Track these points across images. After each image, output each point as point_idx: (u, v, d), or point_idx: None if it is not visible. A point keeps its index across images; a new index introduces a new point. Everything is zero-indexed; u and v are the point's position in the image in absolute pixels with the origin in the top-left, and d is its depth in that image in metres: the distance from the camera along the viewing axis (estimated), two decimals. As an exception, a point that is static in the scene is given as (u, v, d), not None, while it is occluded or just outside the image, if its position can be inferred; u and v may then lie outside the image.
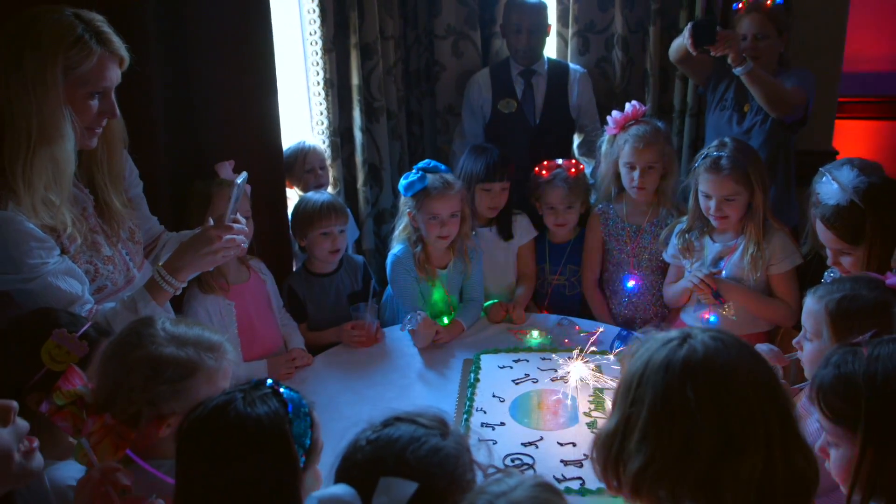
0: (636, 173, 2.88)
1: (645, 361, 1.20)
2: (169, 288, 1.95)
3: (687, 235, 2.77)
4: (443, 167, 2.84)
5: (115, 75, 1.85)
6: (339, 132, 3.32)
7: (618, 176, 2.99)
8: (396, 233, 2.94)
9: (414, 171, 2.81)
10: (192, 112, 2.55)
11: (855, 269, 2.21)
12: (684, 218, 2.81)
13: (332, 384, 2.51)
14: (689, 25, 2.93)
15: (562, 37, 3.68)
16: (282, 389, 1.30)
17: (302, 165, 3.13)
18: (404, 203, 2.86)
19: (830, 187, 2.22)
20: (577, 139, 3.59)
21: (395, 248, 2.93)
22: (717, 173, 2.57)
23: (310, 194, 2.92)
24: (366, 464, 1.14)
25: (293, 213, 2.88)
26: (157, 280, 1.94)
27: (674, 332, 1.23)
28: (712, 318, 2.71)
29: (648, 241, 3.00)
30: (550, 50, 3.67)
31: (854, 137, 3.91)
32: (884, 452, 1.22)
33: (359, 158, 3.36)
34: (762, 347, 2.11)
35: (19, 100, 1.72)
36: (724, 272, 2.68)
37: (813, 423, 1.81)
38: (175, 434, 1.30)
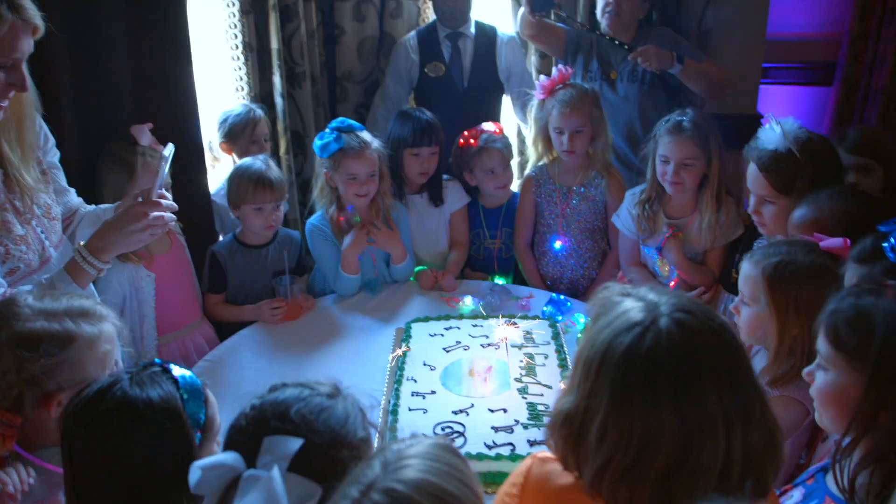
0: (565, 137, 2.88)
1: (605, 346, 1.12)
2: (91, 269, 1.83)
3: (647, 206, 2.75)
4: (357, 125, 2.77)
5: (27, 46, 1.70)
6: (261, 98, 3.19)
7: (548, 139, 2.99)
8: (315, 195, 2.86)
9: (328, 131, 2.72)
10: (99, 75, 2.39)
11: (774, 220, 2.23)
12: (638, 188, 2.81)
13: (255, 361, 2.40)
14: None
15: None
16: (171, 368, 1.26)
17: (249, 136, 3.00)
18: (320, 164, 2.78)
19: (772, 133, 2.21)
20: (513, 105, 3.55)
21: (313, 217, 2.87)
22: (678, 135, 2.57)
23: (248, 162, 2.74)
24: (249, 427, 1.12)
25: (229, 181, 2.74)
26: (79, 261, 1.82)
27: (637, 310, 1.13)
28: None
29: (577, 202, 3.01)
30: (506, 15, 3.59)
31: (777, 102, 3.98)
32: (885, 394, 1.22)
33: (280, 125, 3.24)
34: None
35: None
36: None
37: (761, 361, 1.84)
38: (60, 419, 1.24)
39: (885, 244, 1.48)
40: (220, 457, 1.06)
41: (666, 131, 2.60)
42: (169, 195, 1.98)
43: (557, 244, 3.03)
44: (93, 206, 2.20)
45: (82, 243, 1.85)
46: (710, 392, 1.07)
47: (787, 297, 1.71)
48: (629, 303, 1.16)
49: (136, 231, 1.86)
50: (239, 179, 2.68)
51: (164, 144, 2.39)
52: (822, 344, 1.32)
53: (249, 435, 1.09)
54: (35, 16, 1.69)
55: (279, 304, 2.64)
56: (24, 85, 1.73)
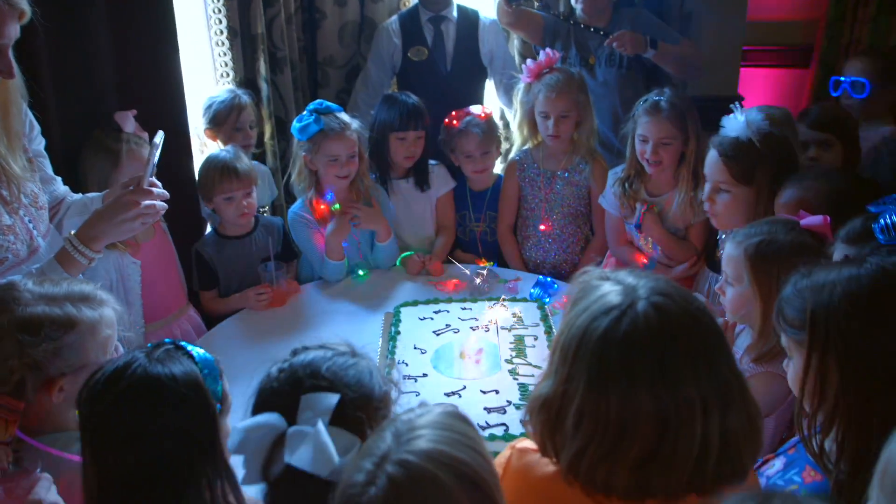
0: (550, 122, 2.89)
1: (582, 330, 1.12)
2: (82, 259, 1.81)
3: (626, 185, 2.78)
4: (334, 106, 2.75)
5: (13, 31, 1.67)
6: (245, 83, 3.16)
7: (534, 124, 2.99)
8: (293, 179, 2.84)
9: (307, 113, 2.71)
10: (82, 61, 2.36)
11: (727, 209, 2.26)
12: (619, 168, 2.83)
13: (243, 349, 2.39)
14: None
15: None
16: (183, 344, 1.28)
17: (234, 122, 2.95)
18: (299, 146, 2.76)
19: (736, 121, 2.24)
20: (496, 89, 3.55)
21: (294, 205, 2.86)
22: (655, 115, 2.59)
23: (215, 154, 2.73)
24: (283, 389, 1.16)
25: (199, 172, 2.72)
26: (70, 250, 1.79)
27: (615, 294, 1.13)
28: (650, 266, 2.78)
29: (561, 186, 3.02)
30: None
31: (757, 84, 4.01)
32: (823, 364, 1.26)
33: (266, 111, 3.22)
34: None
35: None
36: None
37: (746, 339, 1.88)
38: (77, 403, 1.22)
39: (875, 224, 1.50)
40: (260, 417, 1.10)
41: (644, 111, 2.63)
42: (159, 184, 1.95)
43: (541, 228, 3.05)
44: (79, 195, 2.17)
45: (73, 233, 1.83)
46: (687, 376, 1.08)
47: (770, 276, 1.73)
48: (607, 286, 1.16)
49: (128, 220, 1.84)
50: (206, 171, 2.67)
51: (150, 131, 2.39)
52: (781, 335, 1.37)
53: (285, 395, 1.13)
54: (21, 0, 1.66)
55: (264, 290, 2.63)
56: (11, 71, 1.71)
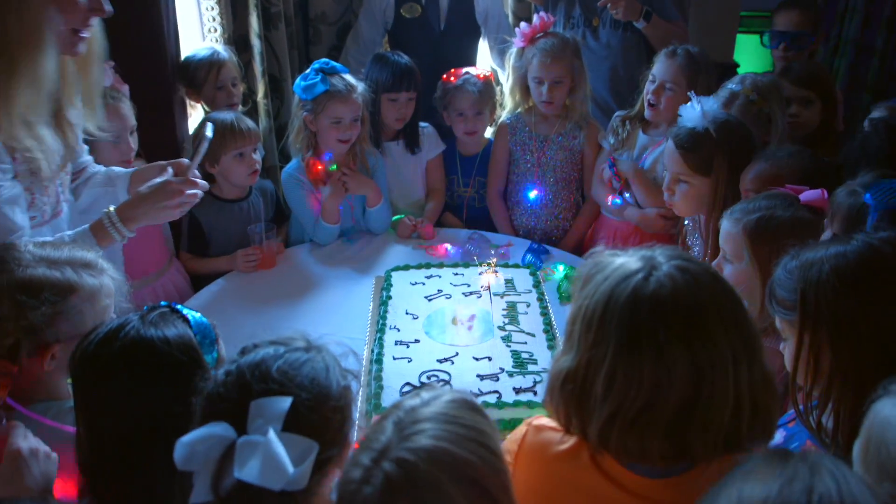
0: (544, 88, 2.84)
1: (607, 296, 1.11)
2: (117, 235, 1.83)
3: (627, 123, 2.80)
4: (340, 67, 2.69)
5: None
6: (234, 40, 3.07)
7: (526, 89, 2.94)
8: (291, 139, 2.79)
9: (311, 72, 2.64)
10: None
11: (685, 199, 2.26)
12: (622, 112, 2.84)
13: (233, 312, 2.37)
14: None
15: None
16: (179, 308, 1.26)
17: (214, 81, 2.82)
18: (300, 106, 2.70)
19: (692, 111, 2.23)
20: (490, 51, 3.48)
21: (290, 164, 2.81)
22: (672, 57, 2.60)
23: (214, 115, 2.66)
24: (230, 393, 1.06)
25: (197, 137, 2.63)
26: (106, 224, 1.80)
27: (634, 261, 1.14)
28: (616, 201, 2.79)
29: (554, 151, 2.99)
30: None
31: (752, 51, 3.98)
32: (815, 342, 1.27)
33: (258, 68, 3.14)
34: None
35: None
36: (645, 164, 2.73)
37: None
38: (69, 366, 1.21)
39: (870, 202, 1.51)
40: (206, 429, 1.01)
41: (664, 53, 2.64)
42: (198, 173, 2.00)
43: (532, 194, 3.01)
44: (102, 168, 2.14)
45: (113, 209, 1.84)
46: (717, 330, 1.08)
47: (770, 252, 1.72)
48: (622, 259, 1.16)
49: (170, 206, 1.89)
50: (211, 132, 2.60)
51: (130, 84, 2.33)
52: (775, 319, 1.38)
53: (232, 401, 1.04)
54: None
55: (253, 252, 2.60)
56: (103, 6, 1.68)
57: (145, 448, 1.17)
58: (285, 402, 1.01)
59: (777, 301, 1.34)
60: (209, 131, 2.09)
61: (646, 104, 2.68)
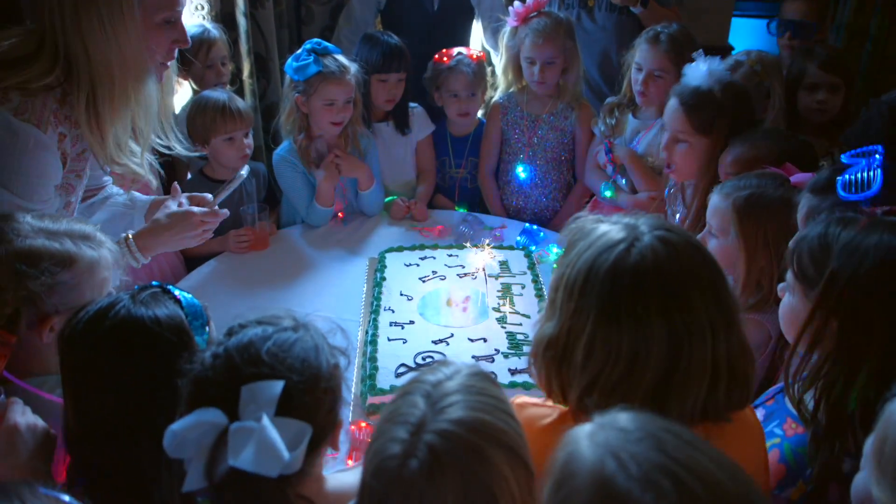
0: (536, 68, 2.82)
1: (589, 265, 1.12)
2: (133, 262, 1.86)
3: (616, 111, 2.78)
4: (333, 47, 2.65)
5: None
6: (221, 17, 3.02)
7: (519, 68, 2.92)
8: (281, 120, 2.75)
9: (303, 52, 2.60)
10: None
11: (683, 159, 2.24)
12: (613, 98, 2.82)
13: (225, 293, 2.34)
14: None
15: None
16: (170, 288, 1.25)
17: (204, 59, 2.79)
18: (292, 87, 2.65)
19: (698, 69, 2.22)
20: (483, 32, 3.44)
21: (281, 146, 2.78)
22: (654, 44, 2.57)
23: (208, 93, 2.63)
24: (220, 377, 1.03)
25: (189, 116, 2.60)
26: (124, 250, 1.82)
27: (617, 230, 1.14)
28: (609, 193, 2.77)
29: (545, 131, 2.97)
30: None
31: (747, 34, 3.97)
32: (825, 323, 1.26)
33: (243, 47, 3.08)
34: None
35: (94, 40, 1.57)
36: (638, 148, 2.71)
37: None
38: (58, 343, 1.20)
39: (839, 178, 1.48)
40: (197, 415, 0.98)
41: (644, 39, 2.61)
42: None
43: (520, 171, 2.99)
44: (121, 191, 2.12)
45: (131, 235, 1.86)
46: (696, 301, 1.09)
47: (757, 230, 1.73)
48: (605, 226, 1.17)
49: (189, 237, 1.95)
50: (203, 112, 2.56)
51: None
52: (788, 270, 1.37)
53: (222, 385, 1.01)
54: None
55: (245, 233, 2.57)
56: (186, 38, 1.76)
57: (132, 428, 1.15)
58: (277, 386, 0.99)
59: (800, 265, 1.32)
60: (244, 171, 2.12)
61: (635, 93, 2.66)
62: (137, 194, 2.14)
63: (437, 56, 2.97)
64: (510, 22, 2.88)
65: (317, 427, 1.01)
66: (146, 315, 1.18)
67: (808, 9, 2.86)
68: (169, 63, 1.81)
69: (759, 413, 1.45)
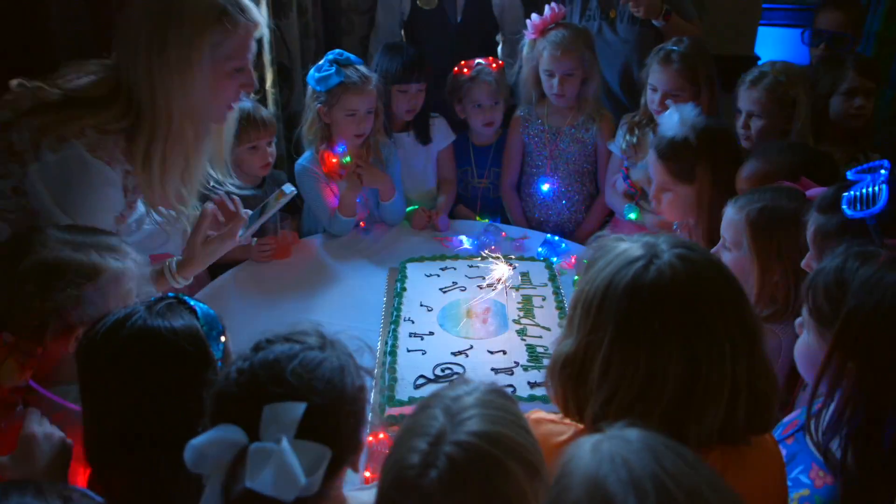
0: (555, 81, 2.80)
1: (607, 282, 1.10)
2: (174, 283, 1.93)
3: (637, 130, 2.74)
4: (354, 58, 2.66)
5: (254, 45, 1.75)
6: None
7: (538, 81, 2.90)
8: (304, 130, 2.76)
9: (326, 63, 2.61)
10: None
11: (670, 208, 2.23)
12: (635, 113, 2.78)
13: (247, 302, 2.35)
14: None
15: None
16: (186, 299, 1.25)
17: None
18: (314, 97, 2.66)
19: (671, 119, 2.20)
20: (501, 44, 3.44)
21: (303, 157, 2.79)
22: (666, 65, 2.54)
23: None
24: (243, 394, 1.03)
25: None
26: (167, 275, 1.90)
27: (637, 248, 1.13)
28: (633, 215, 2.73)
29: (567, 144, 2.96)
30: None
31: (773, 44, 3.93)
32: (843, 365, 1.21)
33: (266, 57, 3.11)
34: None
35: (164, 88, 1.64)
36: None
37: None
38: (76, 354, 1.22)
39: (845, 195, 1.45)
40: (217, 431, 0.98)
41: (656, 60, 2.58)
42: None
43: (545, 187, 2.98)
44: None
45: (175, 263, 1.93)
46: (716, 322, 1.07)
47: (770, 244, 1.71)
48: (626, 244, 1.15)
49: (219, 252, 2.01)
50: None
51: None
52: (804, 306, 1.33)
53: (245, 404, 1.01)
54: (259, 14, 1.76)
55: (268, 242, 2.58)
56: (254, 84, 1.81)
57: (151, 439, 1.15)
58: (299, 409, 0.98)
59: (815, 302, 1.29)
60: (288, 189, 2.14)
61: (654, 114, 2.62)
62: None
63: (456, 68, 2.97)
64: (528, 35, 2.87)
65: (338, 450, 1.00)
66: (163, 326, 1.18)
67: (843, 20, 2.82)
68: (235, 105, 1.85)
69: (783, 452, 1.39)
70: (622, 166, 2.77)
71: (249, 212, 2.08)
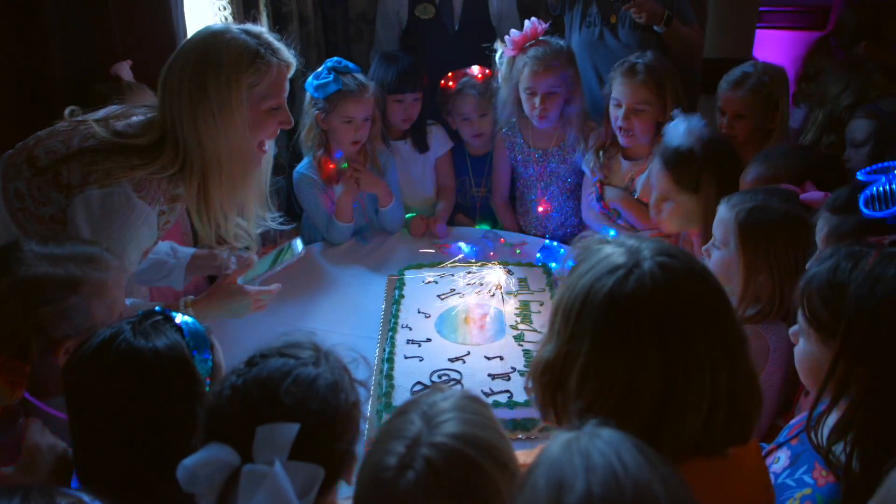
0: (537, 100, 2.68)
1: (586, 290, 1.07)
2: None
3: (601, 153, 2.69)
4: (353, 66, 2.68)
5: (288, 84, 1.84)
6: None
7: (519, 101, 2.77)
8: (302, 137, 2.78)
9: (324, 71, 2.64)
10: (87, 14, 2.31)
11: (671, 217, 2.23)
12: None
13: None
14: None
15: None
16: (174, 315, 1.24)
17: None
18: (312, 104, 2.68)
19: (677, 129, 2.19)
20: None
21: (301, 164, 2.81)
22: (631, 78, 2.50)
23: None
24: (235, 413, 1.02)
25: None
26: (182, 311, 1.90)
27: (619, 254, 1.09)
28: (612, 233, 2.70)
29: (556, 164, 2.89)
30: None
31: (772, 46, 3.92)
32: (851, 370, 1.19)
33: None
34: None
35: (209, 134, 1.71)
36: (636, 193, 2.63)
37: None
38: (62, 374, 1.22)
39: (861, 195, 1.43)
40: (209, 451, 0.98)
41: (619, 73, 2.53)
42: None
43: (540, 209, 2.93)
44: (164, 243, 2.15)
45: (191, 301, 1.92)
46: (696, 334, 1.04)
47: (757, 243, 1.70)
48: (609, 248, 1.12)
49: (243, 312, 1.99)
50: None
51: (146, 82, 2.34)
52: (799, 313, 1.30)
53: (238, 423, 1.00)
54: (290, 55, 1.82)
55: (267, 251, 2.58)
56: (290, 120, 1.88)
57: (135, 455, 1.16)
58: (293, 430, 0.98)
59: (811, 309, 1.26)
60: (298, 247, 2.15)
61: (617, 131, 2.56)
62: (179, 246, 2.18)
63: (442, 81, 2.95)
64: (507, 52, 2.73)
65: (331, 467, 1.01)
66: (146, 346, 1.18)
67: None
68: (271, 140, 1.91)
69: (785, 455, 1.39)
70: (592, 188, 2.74)
71: (255, 257, 2.11)
